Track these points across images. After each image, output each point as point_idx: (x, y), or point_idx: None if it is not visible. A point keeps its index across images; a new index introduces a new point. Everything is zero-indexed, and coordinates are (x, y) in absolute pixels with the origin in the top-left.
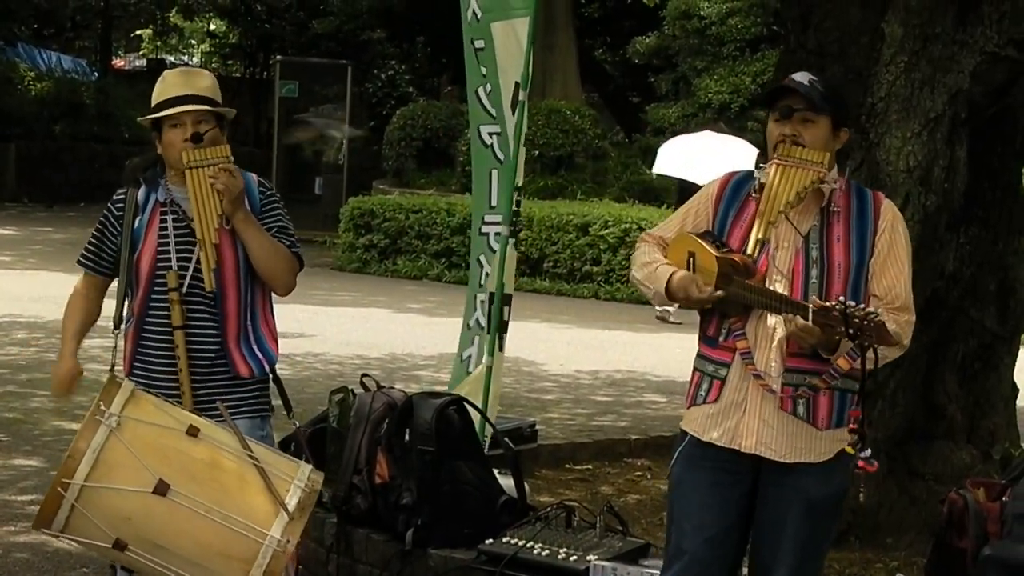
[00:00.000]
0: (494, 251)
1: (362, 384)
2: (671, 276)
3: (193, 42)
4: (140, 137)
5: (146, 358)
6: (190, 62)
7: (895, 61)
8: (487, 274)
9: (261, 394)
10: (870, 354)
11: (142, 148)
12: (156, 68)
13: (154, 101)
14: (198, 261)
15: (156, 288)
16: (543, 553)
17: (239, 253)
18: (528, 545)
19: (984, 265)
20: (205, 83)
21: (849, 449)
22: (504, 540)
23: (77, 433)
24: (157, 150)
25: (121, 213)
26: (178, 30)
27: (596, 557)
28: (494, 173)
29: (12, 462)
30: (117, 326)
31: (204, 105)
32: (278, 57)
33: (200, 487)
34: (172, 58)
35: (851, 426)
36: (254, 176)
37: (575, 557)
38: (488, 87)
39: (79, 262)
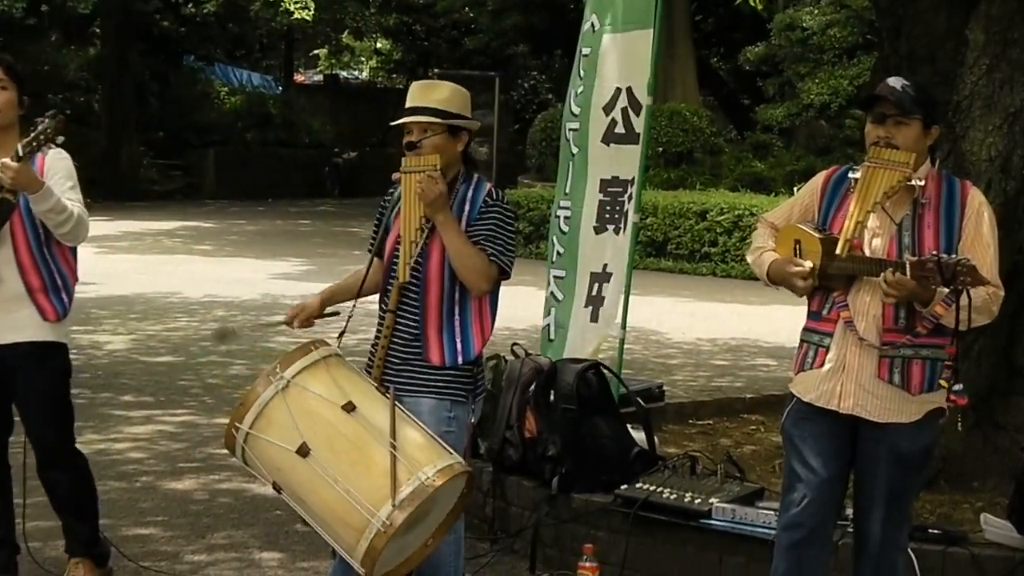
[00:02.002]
0: (564, 232)
1: (512, 352)
2: (771, 264)
3: (363, 59)
4: (319, 142)
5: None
6: (360, 76)
7: (978, 63)
8: (559, 252)
9: (454, 380)
10: (964, 299)
11: (320, 152)
12: (331, 82)
13: None
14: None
15: (390, 276)
16: (671, 496)
17: (445, 252)
18: (658, 490)
19: None
20: (439, 95)
21: (943, 383)
22: (637, 486)
23: (252, 384)
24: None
25: (385, 208)
26: (350, 49)
27: (717, 500)
28: (570, 164)
29: (215, 421)
30: (356, 296)
31: (426, 116)
32: (435, 70)
33: (336, 457)
34: (344, 73)
35: (947, 363)
36: (487, 186)
37: (699, 500)
38: (580, 88)
39: (368, 250)
